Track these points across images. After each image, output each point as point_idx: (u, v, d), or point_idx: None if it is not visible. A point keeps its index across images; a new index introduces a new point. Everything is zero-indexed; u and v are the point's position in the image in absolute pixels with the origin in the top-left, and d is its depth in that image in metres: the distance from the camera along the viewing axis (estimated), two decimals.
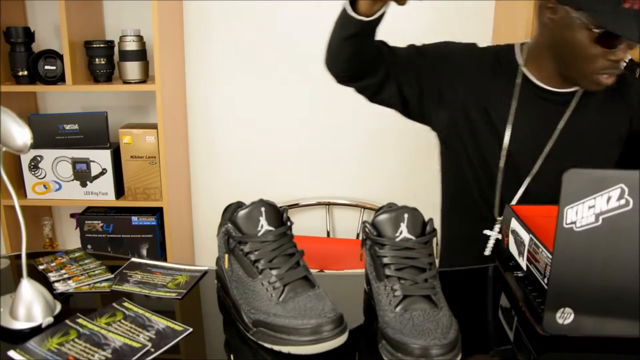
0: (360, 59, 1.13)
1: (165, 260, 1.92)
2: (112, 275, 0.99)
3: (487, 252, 1.22)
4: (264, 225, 0.81)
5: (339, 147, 2.09)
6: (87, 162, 1.82)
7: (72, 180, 1.84)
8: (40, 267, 1.01)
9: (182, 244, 2.04)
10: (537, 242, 0.84)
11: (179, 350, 0.77)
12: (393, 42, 1.99)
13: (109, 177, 1.84)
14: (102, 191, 1.85)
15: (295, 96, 2.04)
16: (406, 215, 0.79)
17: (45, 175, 1.83)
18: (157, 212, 1.91)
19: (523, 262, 0.91)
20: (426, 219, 0.83)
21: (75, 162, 1.82)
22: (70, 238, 2.19)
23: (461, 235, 1.32)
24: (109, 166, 1.83)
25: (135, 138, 1.80)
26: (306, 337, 0.73)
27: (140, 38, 1.78)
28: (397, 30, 1.96)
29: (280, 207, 0.86)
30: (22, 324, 0.81)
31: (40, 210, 2.07)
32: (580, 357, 0.76)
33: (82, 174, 1.83)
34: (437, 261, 0.83)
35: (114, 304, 0.88)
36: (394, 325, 0.73)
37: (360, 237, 0.92)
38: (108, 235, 1.90)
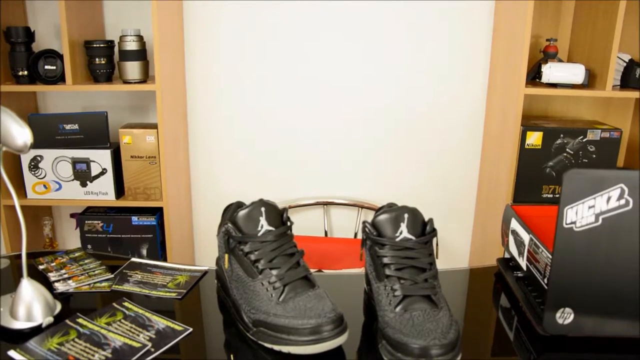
0: None
1: (165, 260, 1.92)
2: (112, 275, 0.99)
3: None
4: (264, 225, 0.81)
5: (337, 147, 2.09)
6: (87, 162, 1.82)
7: (72, 180, 1.84)
8: (41, 267, 1.01)
9: (182, 244, 2.04)
10: (537, 242, 0.84)
11: (179, 350, 0.77)
12: (393, 41, 2.01)
13: (109, 177, 1.84)
14: (102, 191, 1.85)
15: (294, 97, 2.04)
16: (406, 215, 0.79)
17: (45, 175, 1.83)
18: (157, 212, 1.91)
19: (523, 262, 0.91)
20: (426, 219, 0.83)
21: (75, 162, 1.82)
22: (70, 238, 2.20)
23: None
24: (109, 166, 1.83)
25: (135, 138, 1.80)
26: (306, 337, 0.73)
27: (140, 38, 1.78)
28: (397, 30, 1.97)
29: (281, 207, 0.86)
30: (22, 323, 0.81)
31: (40, 210, 2.07)
32: (580, 357, 0.76)
33: (82, 174, 1.83)
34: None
35: (114, 304, 0.88)
36: (394, 325, 0.73)
37: (360, 237, 0.92)
38: (108, 235, 1.90)
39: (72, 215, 2.11)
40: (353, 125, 2.07)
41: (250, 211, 0.82)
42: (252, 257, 0.80)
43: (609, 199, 0.70)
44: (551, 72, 1.71)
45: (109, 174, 1.83)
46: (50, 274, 0.99)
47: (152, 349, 0.76)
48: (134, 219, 1.88)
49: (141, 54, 1.78)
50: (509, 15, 1.79)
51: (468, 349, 0.77)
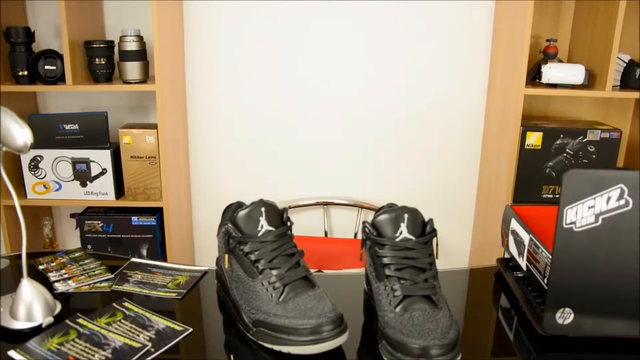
0: None
1: (165, 260, 1.92)
2: (112, 275, 0.99)
3: None
4: (264, 226, 0.81)
5: (337, 147, 2.09)
6: (87, 162, 1.82)
7: (72, 180, 1.84)
8: (41, 267, 1.01)
9: (182, 244, 2.04)
10: (536, 242, 0.84)
11: (179, 350, 0.77)
12: (393, 41, 2.01)
13: (109, 177, 1.84)
14: (102, 191, 1.85)
15: (294, 97, 2.04)
16: (406, 216, 0.79)
17: (45, 175, 1.83)
18: (157, 212, 1.91)
19: (523, 263, 0.91)
20: (426, 219, 0.83)
21: (75, 162, 1.82)
22: (70, 238, 2.20)
23: None
24: (109, 166, 1.83)
25: (135, 138, 1.80)
26: (306, 337, 0.73)
27: (140, 38, 1.78)
28: (397, 29, 1.97)
29: (281, 207, 0.86)
30: (22, 323, 0.81)
31: (40, 210, 2.07)
32: (580, 357, 0.76)
33: (82, 174, 1.83)
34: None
35: (114, 304, 0.88)
36: (393, 325, 0.73)
37: (360, 237, 0.93)
38: (108, 235, 1.90)
39: (72, 216, 2.11)
40: (353, 125, 2.07)
41: (250, 211, 0.82)
42: (252, 257, 0.80)
43: (608, 199, 0.70)
44: (551, 72, 1.71)
45: (109, 174, 1.83)
46: (50, 274, 0.99)
47: (152, 349, 0.76)
48: (134, 219, 1.88)
49: (141, 54, 1.78)
50: (509, 15, 1.79)
51: (468, 349, 0.77)
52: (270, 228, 0.82)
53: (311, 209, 2.16)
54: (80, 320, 0.83)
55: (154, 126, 1.84)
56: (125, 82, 1.79)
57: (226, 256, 0.83)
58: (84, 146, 1.82)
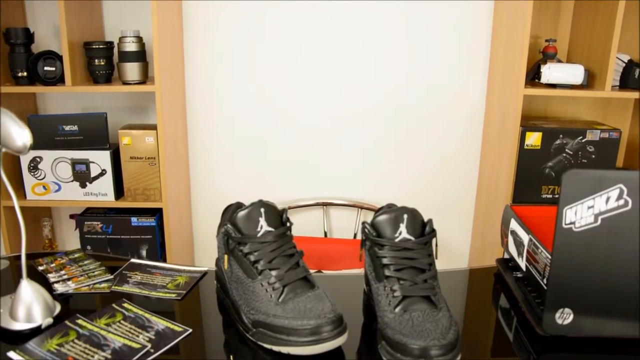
0: None
1: (164, 261, 1.92)
2: (112, 276, 0.99)
3: None
4: (263, 226, 0.81)
5: (336, 148, 2.09)
6: (86, 163, 1.82)
7: (72, 181, 1.84)
8: (40, 268, 1.01)
9: (181, 244, 2.04)
10: (536, 242, 0.84)
11: (178, 351, 0.77)
12: (392, 41, 2.01)
13: (108, 178, 1.84)
14: (102, 192, 1.85)
15: (293, 97, 2.04)
16: (405, 216, 0.79)
17: (44, 176, 1.83)
18: (157, 213, 1.91)
19: (522, 263, 0.91)
20: (425, 219, 0.83)
21: (74, 163, 1.82)
22: (69, 239, 2.19)
23: None
24: (108, 167, 1.83)
25: (134, 139, 1.80)
26: (306, 337, 0.73)
27: (139, 39, 1.78)
28: (397, 29, 1.97)
29: (281, 208, 0.86)
30: (22, 324, 0.81)
31: (40, 211, 2.07)
32: (580, 357, 0.76)
33: (82, 175, 1.83)
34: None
35: (114, 305, 0.88)
36: (393, 325, 0.73)
37: (360, 238, 0.93)
38: (107, 236, 1.90)
39: (71, 216, 2.11)
40: (353, 126, 2.07)
41: (249, 212, 0.82)
42: (252, 257, 0.80)
43: (608, 199, 0.70)
44: (550, 72, 1.72)
45: (109, 175, 1.83)
46: (49, 275, 0.99)
47: (152, 350, 0.76)
48: (134, 219, 1.88)
49: (140, 55, 1.78)
50: (508, 15, 1.79)
51: (468, 350, 0.77)
52: (270, 229, 0.82)
53: (311, 210, 2.16)
54: (79, 321, 0.83)
55: (153, 127, 1.84)
56: (125, 83, 1.79)
57: (225, 257, 0.83)
58: (84, 147, 1.82)
